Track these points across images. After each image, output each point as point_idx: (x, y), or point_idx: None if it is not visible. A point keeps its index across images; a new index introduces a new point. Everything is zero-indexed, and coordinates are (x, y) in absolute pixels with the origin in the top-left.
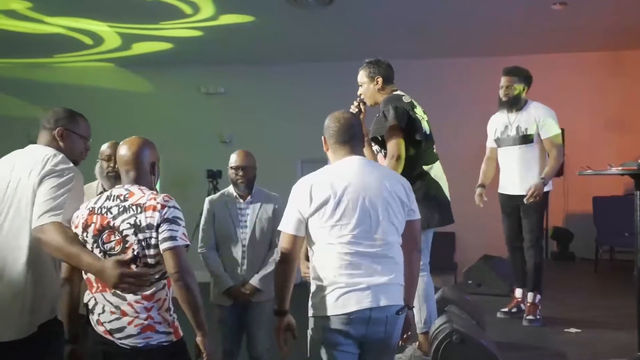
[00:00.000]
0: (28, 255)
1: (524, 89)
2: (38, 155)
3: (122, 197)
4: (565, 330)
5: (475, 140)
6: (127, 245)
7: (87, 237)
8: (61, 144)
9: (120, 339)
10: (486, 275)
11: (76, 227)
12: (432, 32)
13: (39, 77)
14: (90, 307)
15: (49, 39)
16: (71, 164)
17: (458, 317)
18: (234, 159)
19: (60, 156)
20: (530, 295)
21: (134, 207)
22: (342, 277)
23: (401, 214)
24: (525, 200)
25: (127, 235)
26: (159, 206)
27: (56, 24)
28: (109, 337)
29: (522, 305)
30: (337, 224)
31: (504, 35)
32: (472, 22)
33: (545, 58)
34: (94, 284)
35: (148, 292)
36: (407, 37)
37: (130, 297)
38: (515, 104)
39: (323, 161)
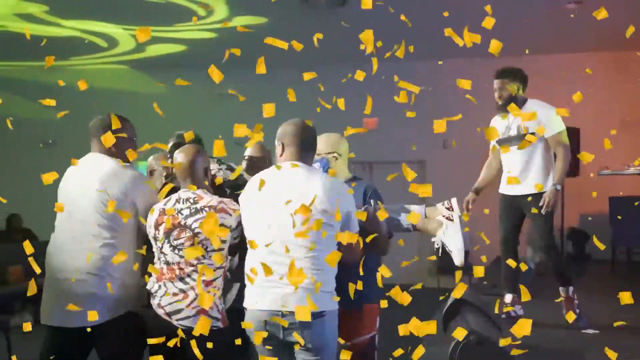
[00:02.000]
0: (102, 250)
1: (518, 88)
2: (104, 165)
3: (191, 200)
4: (583, 331)
5: (487, 142)
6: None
7: (158, 234)
8: (113, 149)
9: (178, 320)
10: (497, 276)
11: (149, 226)
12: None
13: (55, 79)
14: (153, 291)
15: (65, 41)
16: (132, 168)
17: (475, 318)
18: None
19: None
20: (562, 290)
21: (206, 209)
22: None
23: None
24: (542, 211)
25: (198, 233)
26: (230, 210)
27: (72, 27)
28: (167, 318)
29: (511, 312)
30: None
31: (518, 36)
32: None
33: (560, 58)
34: (165, 273)
35: (209, 279)
36: (420, 38)
37: (194, 282)
38: (511, 104)
39: None
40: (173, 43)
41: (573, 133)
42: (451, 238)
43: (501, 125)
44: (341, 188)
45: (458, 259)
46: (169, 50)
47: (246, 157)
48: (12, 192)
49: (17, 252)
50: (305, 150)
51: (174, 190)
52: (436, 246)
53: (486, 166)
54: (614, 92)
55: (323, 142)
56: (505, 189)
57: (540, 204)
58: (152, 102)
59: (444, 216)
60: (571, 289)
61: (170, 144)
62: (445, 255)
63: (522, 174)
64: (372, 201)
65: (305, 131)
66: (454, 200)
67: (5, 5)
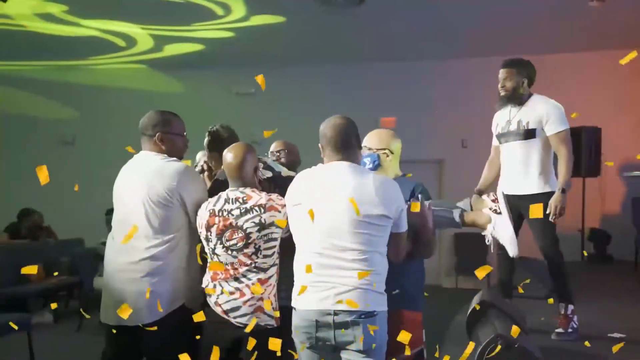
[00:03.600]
0: (152, 250)
1: (524, 82)
2: (149, 164)
3: (240, 200)
4: (609, 335)
5: None
6: (249, 241)
7: (210, 236)
8: (163, 147)
9: (235, 317)
10: (521, 277)
11: (200, 226)
12: (464, 32)
13: (73, 79)
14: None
15: (84, 41)
16: (177, 162)
17: (501, 321)
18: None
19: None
20: (560, 306)
21: (256, 208)
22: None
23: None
24: (550, 219)
25: (250, 233)
26: (279, 207)
27: (91, 27)
28: (225, 316)
29: None
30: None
31: (540, 34)
32: (505, 20)
33: (582, 56)
34: (219, 273)
35: (264, 277)
36: (437, 37)
37: (249, 281)
38: (514, 98)
39: None
40: (191, 42)
41: (594, 132)
42: (502, 230)
43: (502, 119)
44: (392, 186)
45: (512, 250)
46: (186, 49)
47: (271, 152)
48: (31, 191)
49: (37, 251)
50: (347, 149)
51: (218, 186)
52: (487, 241)
53: (488, 165)
54: (637, 90)
55: (375, 138)
56: (503, 188)
57: (547, 212)
58: (169, 101)
59: (490, 209)
60: (571, 307)
61: (206, 141)
62: (463, 255)
63: (520, 171)
64: (419, 195)
65: (342, 130)
66: (499, 193)
67: (25, 5)
